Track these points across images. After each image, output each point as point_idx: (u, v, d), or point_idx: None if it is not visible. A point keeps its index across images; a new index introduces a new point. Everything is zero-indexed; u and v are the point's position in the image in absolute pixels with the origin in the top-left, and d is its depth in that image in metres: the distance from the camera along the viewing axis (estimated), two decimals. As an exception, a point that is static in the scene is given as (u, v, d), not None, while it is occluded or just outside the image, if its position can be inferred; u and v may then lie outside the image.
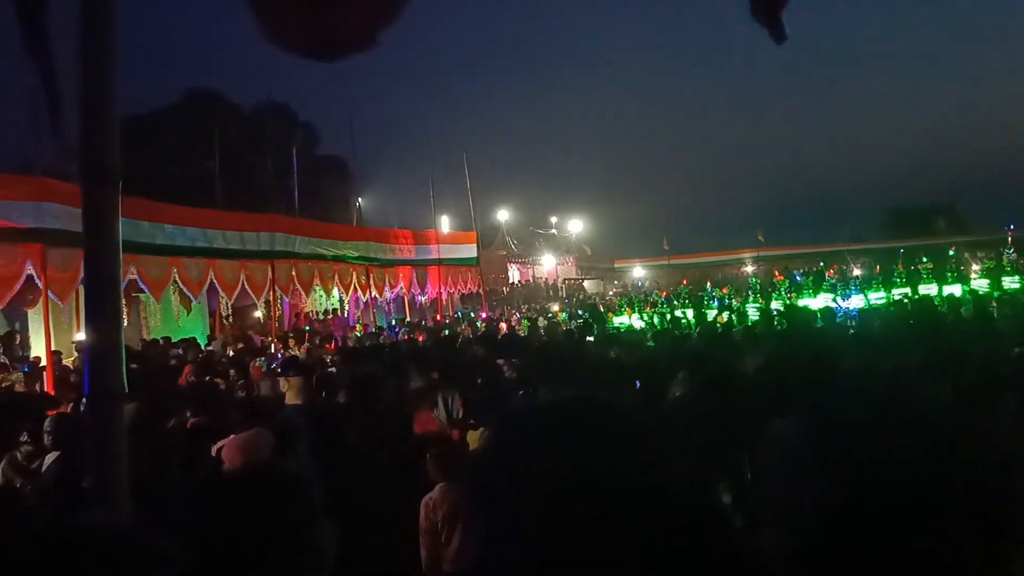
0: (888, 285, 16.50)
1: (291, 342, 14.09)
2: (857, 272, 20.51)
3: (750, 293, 17.68)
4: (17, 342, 13.11)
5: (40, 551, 1.09)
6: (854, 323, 10.31)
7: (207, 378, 8.73)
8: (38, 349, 12.01)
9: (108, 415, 1.97)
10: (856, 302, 14.47)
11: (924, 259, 18.04)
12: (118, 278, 1.87)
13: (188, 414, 5.78)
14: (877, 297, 15.41)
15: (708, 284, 23.40)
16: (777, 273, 21.51)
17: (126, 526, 1.43)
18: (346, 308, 21.30)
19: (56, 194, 10.19)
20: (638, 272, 45.67)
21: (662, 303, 18.55)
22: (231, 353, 12.76)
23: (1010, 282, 15.84)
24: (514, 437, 0.94)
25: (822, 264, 25.03)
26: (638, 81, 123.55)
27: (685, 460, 0.92)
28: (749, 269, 40.09)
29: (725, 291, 19.89)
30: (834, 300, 15.23)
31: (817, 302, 15.35)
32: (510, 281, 39.13)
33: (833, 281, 17.65)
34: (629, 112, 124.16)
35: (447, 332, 15.06)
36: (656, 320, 15.73)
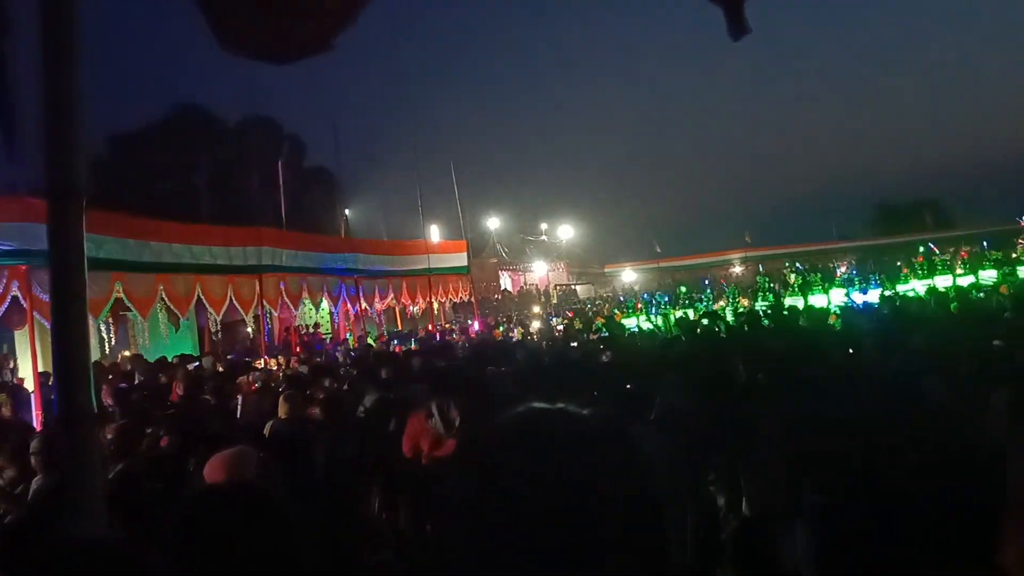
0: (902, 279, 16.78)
1: (281, 358, 14.02)
2: (843, 269, 20.71)
3: (760, 292, 17.88)
4: (11, 365, 12.97)
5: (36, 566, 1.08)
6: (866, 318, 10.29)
7: (198, 395, 8.68)
8: (26, 371, 11.90)
9: (79, 435, 1.91)
10: (874, 296, 14.50)
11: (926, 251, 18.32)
12: (84, 295, 1.83)
13: (162, 432, 5.70)
14: (906, 288, 15.49)
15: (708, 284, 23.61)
16: (842, 266, 21.68)
17: (114, 541, 1.40)
18: (336, 321, 21.21)
19: (41, 215, 10.07)
20: (629, 276, 45.77)
21: (665, 304, 18.71)
22: (221, 369, 12.68)
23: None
24: (470, 451, 0.92)
25: (834, 263, 25.28)
26: (625, 86, 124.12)
27: (642, 474, 0.89)
28: (737, 270, 40.26)
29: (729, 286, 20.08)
30: (847, 295, 15.33)
31: (830, 298, 15.51)
32: (502, 288, 39.10)
33: (847, 276, 17.87)
34: (616, 116, 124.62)
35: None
36: (661, 322, 15.81)
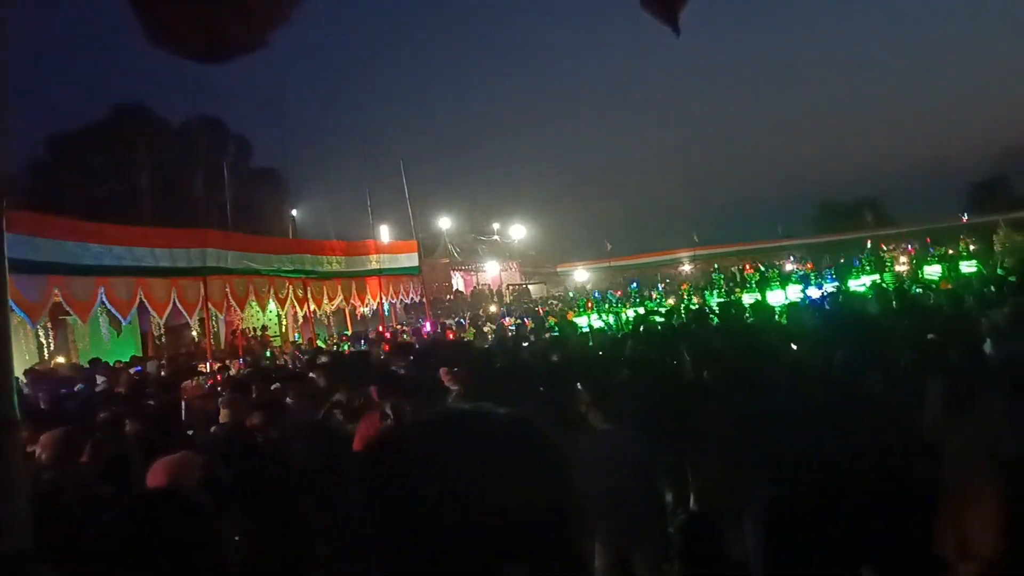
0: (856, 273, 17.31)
1: (228, 361, 13.76)
2: (789, 267, 21.19)
3: (716, 288, 18.25)
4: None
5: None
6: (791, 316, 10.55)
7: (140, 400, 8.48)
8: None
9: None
10: (830, 291, 14.87)
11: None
12: (6, 298, 1.75)
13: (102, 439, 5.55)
14: (858, 284, 15.98)
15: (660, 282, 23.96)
16: (748, 267, 22.18)
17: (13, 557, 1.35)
18: (284, 323, 20.91)
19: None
20: (581, 275, 46.05)
21: (616, 303, 18.91)
22: (164, 374, 12.42)
23: (966, 267, 16.80)
24: (378, 452, 0.91)
25: (793, 258, 25.90)
26: (574, 87, 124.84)
27: (555, 471, 0.89)
28: (686, 268, 40.82)
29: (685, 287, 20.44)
30: (803, 291, 15.71)
31: (787, 294, 15.90)
32: (454, 289, 38.99)
33: (802, 273, 18.36)
34: (566, 117, 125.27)
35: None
36: (612, 320, 15.98)
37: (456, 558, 0.80)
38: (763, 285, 17.41)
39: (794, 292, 16.03)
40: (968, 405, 4.28)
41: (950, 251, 19.21)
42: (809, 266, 20.35)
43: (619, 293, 20.58)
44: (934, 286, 12.79)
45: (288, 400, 7.15)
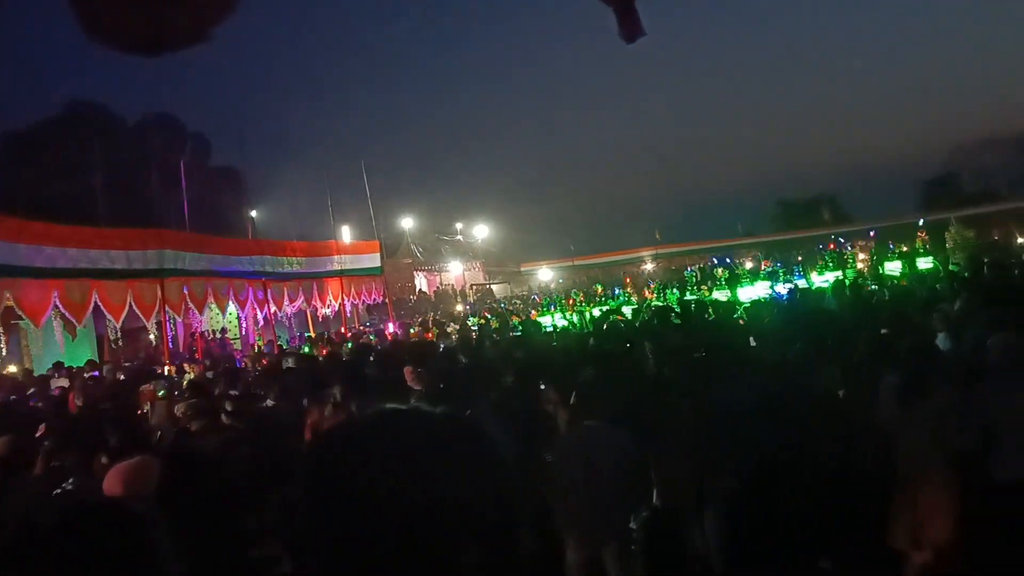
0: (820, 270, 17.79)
1: (186, 365, 13.52)
2: (749, 264, 21.56)
3: (688, 286, 18.54)
4: None
5: None
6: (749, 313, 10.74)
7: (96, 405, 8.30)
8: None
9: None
10: (801, 286, 15.25)
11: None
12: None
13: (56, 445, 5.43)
14: (822, 280, 16.39)
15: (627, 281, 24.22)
16: (746, 262, 22.59)
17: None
18: (243, 325, 20.64)
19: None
20: (545, 274, 46.18)
21: (581, 302, 19.09)
22: (122, 378, 12.17)
23: (923, 263, 17.34)
24: (314, 453, 0.92)
25: (758, 255, 26.39)
26: (535, 87, 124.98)
27: (493, 469, 0.90)
28: (649, 267, 41.18)
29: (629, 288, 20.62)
30: (772, 287, 16.07)
31: (756, 290, 16.24)
32: (417, 289, 38.82)
33: (770, 270, 18.77)
34: (528, 117, 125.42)
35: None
36: (576, 319, 16.08)
37: (392, 555, 0.80)
38: (733, 282, 17.76)
39: (763, 288, 16.39)
40: (920, 398, 4.39)
41: (904, 248, 19.74)
42: (765, 263, 20.73)
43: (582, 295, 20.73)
44: (893, 282, 13.11)
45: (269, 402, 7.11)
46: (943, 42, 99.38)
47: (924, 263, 17.50)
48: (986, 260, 12.49)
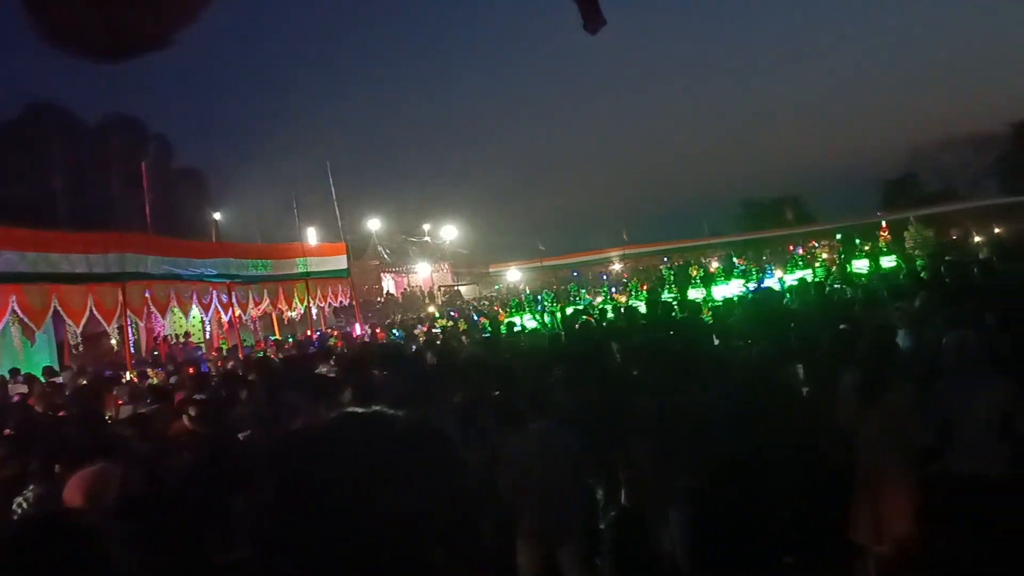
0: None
1: (150, 371, 13.32)
2: (715, 264, 21.86)
3: (667, 284, 18.79)
4: None
5: None
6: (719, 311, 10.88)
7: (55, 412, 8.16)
8: None
9: None
10: (772, 284, 15.56)
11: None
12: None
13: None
14: (792, 278, 16.72)
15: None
16: (712, 261, 22.91)
17: None
18: (208, 329, 20.36)
19: None
20: (514, 275, 46.21)
21: (552, 302, 19.20)
22: (83, 383, 11.96)
23: (887, 261, 17.79)
24: (273, 457, 0.91)
25: (727, 254, 26.86)
26: (502, 87, 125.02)
27: (454, 472, 0.91)
28: (617, 267, 41.42)
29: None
30: (745, 285, 16.34)
31: (731, 288, 16.54)
32: (385, 291, 38.60)
33: (743, 268, 19.16)
34: (495, 118, 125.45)
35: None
36: (548, 320, 16.11)
37: (358, 557, 0.80)
38: (708, 280, 18.06)
39: (737, 286, 16.69)
40: (878, 395, 4.47)
41: (866, 247, 20.21)
42: (740, 261, 21.12)
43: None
44: (861, 280, 13.38)
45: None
46: (902, 46, 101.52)
47: (887, 261, 17.93)
48: (946, 259, 12.78)
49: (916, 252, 19.20)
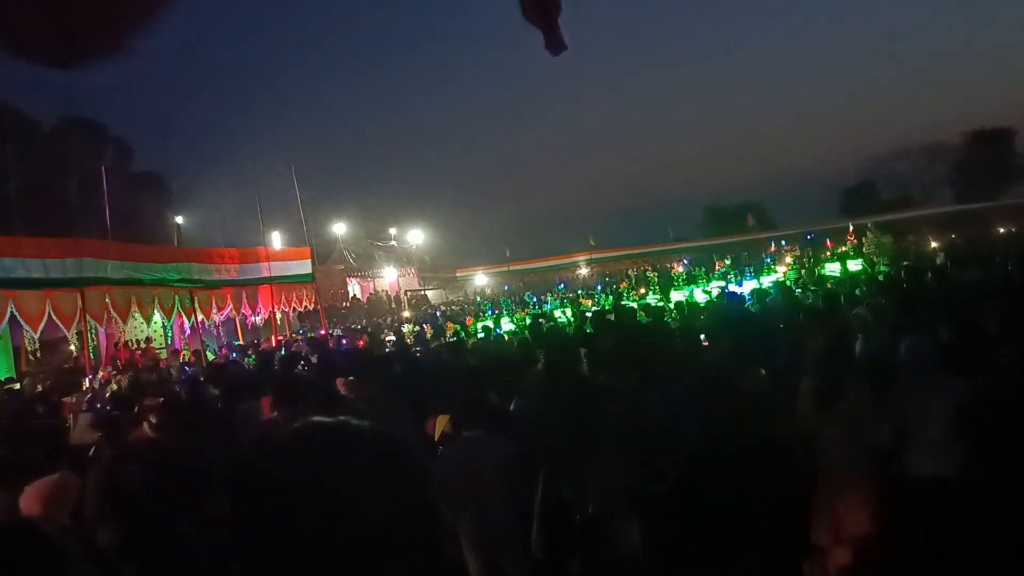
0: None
1: (105, 374, 13.08)
2: (680, 269, 22.12)
3: (644, 287, 19.04)
4: None
5: None
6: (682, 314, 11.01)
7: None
8: None
9: None
10: (750, 287, 15.81)
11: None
12: None
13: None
14: (769, 281, 17.03)
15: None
16: (676, 266, 23.13)
17: None
18: (170, 334, 20.02)
19: None
20: (480, 279, 46.17)
21: (533, 305, 19.24)
22: (41, 389, 11.72)
23: (853, 265, 18.24)
24: (236, 468, 0.91)
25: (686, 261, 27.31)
26: (468, 91, 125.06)
27: (416, 483, 0.92)
28: (584, 271, 41.61)
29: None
30: (725, 286, 16.61)
31: (710, 290, 16.80)
32: (351, 296, 38.30)
33: (724, 270, 19.59)
34: (461, 122, 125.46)
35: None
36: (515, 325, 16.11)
37: (318, 568, 0.80)
38: (690, 282, 18.42)
39: (715, 288, 16.98)
40: (834, 399, 4.56)
41: (840, 249, 20.66)
42: (719, 264, 21.51)
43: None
44: (829, 283, 13.68)
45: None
46: (859, 58, 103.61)
47: (854, 265, 18.39)
48: (904, 264, 13.07)
49: (875, 257, 19.59)
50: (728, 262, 21.01)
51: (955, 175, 60.13)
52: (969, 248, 19.14)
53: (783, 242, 24.68)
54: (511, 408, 5.82)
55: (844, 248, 20.90)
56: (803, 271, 18.57)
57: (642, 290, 18.94)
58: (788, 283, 14.83)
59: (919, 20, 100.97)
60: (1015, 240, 23.98)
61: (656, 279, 19.90)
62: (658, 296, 17.05)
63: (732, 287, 16.07)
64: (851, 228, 23.39)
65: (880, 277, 11.92)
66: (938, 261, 15.51)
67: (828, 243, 22.36)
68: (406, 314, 27.95)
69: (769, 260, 20.75)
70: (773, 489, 4.61)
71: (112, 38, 1.34)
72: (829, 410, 4.55)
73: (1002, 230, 32.36)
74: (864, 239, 21.81)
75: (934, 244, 26.06)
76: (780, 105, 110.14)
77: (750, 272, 18.99)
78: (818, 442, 4.60)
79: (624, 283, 20.44)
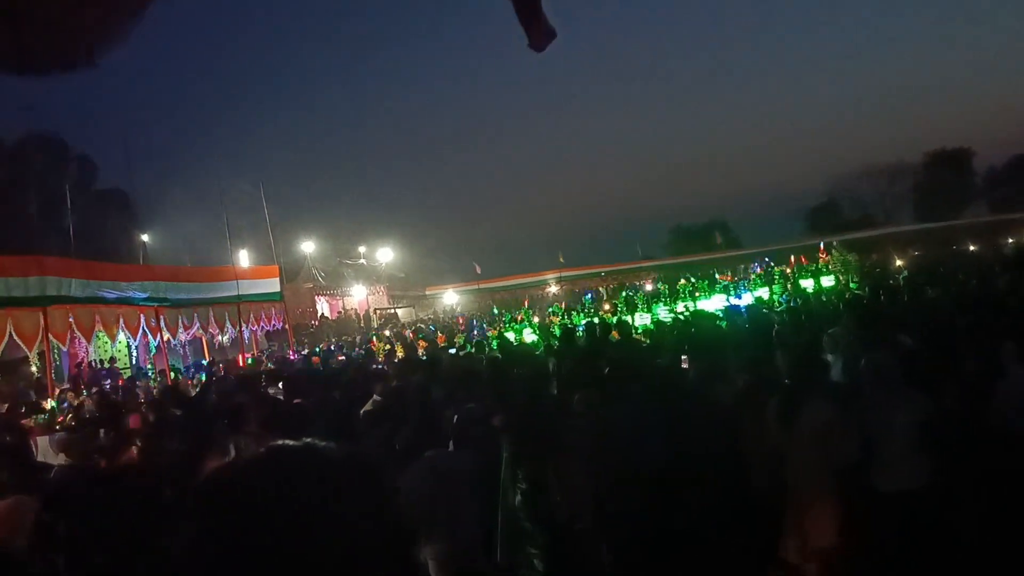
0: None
1: (71, 395, 12.80)
2: (648, 287, 22.53)
3: (655, 300, 19.65)
4: None
5: None
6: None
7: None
8: None
9: None
10: (748, 299, 16.48)
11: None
12: None
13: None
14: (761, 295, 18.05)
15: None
16: (647, 283, 23.93)
17: None
18: (136, 355, 19.69)
19: None
20: (450, 297, 46.01)
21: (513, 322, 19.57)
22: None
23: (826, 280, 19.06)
24: (199, 493, 0.90)
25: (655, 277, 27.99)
26: (437, 110, 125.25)
27: (387, 504, 0.91)
28: (553, 289, 41.69)
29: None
30: (727, 299, 17.31)
31: (713, 302, 17.74)
32: (319, 314, 37.95)
33: (724, 284, 20.46)
34: (430, 140, 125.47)
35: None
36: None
37: None
38: (694, 295, 19.04)
39: (719, 301, 17.72)
40: (800, 415, 4.60)
41: (788, 270, 21.35)
42: (722, 277, 22.20)
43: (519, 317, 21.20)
44: (808, 299, 14.08)
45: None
46: (821, 79, 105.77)
47: (827, 281, 19.15)
48: (868, 284, 13.39)
49: (840, 275, 20.12)
50: (693, 280, 21.50)
51: (915, 195, 61.51)
52: (933, 266, 19.65)
53: (766, 259, 25.89)
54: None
55: (817, 265, 21.61)
56: (789, 285, 19.35)
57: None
58: (775, 298, 15.45)
59: (879, 44, 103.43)
60: (976, 258, 24.59)
61: (665, 290, 20.68)
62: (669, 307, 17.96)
63: (732, 299, 16.75)
64: (822, 246, 23.97)
65: (846, 295, 12.14)
66: (901, 278, 15.89)
67: (803, 259, 23.15)
68: (387, 333, 27.74)
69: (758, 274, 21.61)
70: (741, 504, 4.64)
71: (75, 50, 1.32)
72: (794, 426, 4.59)
73: (962, 248, 33.16)
74: (830, 256, 22.31)
75: (899, 262, 26.57)
76: (746, 126, 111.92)
77: (744, 287, 19.82)
78: (786, 458, 4.64)
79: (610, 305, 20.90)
